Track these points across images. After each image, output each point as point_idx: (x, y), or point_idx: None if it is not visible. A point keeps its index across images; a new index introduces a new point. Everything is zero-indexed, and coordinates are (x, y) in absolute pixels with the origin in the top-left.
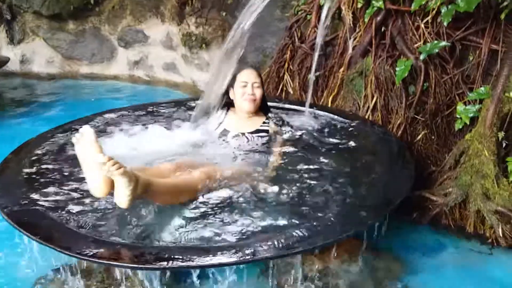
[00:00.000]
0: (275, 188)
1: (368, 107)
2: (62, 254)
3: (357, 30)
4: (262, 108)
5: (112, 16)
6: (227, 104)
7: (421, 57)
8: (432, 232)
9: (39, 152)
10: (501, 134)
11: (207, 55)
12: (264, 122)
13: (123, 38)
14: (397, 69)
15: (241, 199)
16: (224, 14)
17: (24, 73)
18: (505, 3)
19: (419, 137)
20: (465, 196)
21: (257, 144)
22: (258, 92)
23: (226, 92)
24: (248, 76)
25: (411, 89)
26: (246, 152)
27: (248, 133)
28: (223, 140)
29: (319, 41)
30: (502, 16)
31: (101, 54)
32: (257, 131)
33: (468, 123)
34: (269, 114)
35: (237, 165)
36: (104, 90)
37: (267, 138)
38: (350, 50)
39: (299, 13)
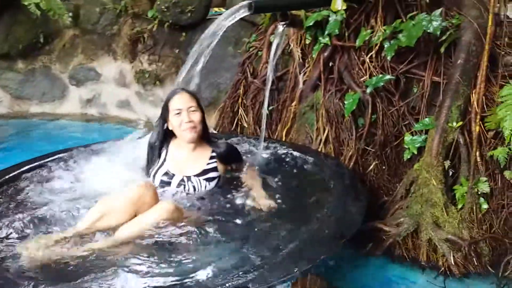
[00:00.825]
0: (222, 227)
1: (321, 139)
2: None
3: (307, 65)
4: (203, 133)
5: (63, 55)
6: (167, 135)
7: (368, 90)
8: (386, 263)
9: None
10: (447, 163)
11: (162, 92)
12: (211, 157)
13: (75, 76)
14: (345, 102)
15: (185, 239)
16: (177, 51)
17: None
18: (443, 37)
19: (370, 167)
20: (416, 225)
21: (205, 192)
22: (196, 117)
23: (162, 125)
24: (179, 102)
25: (360, 121)
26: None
27: (194, 176)
28: (165, 191)
29: (270, 76)
30: (442, 49)
31: (52, 93)
32: (204, 172)
33: (416, 153)
34: (215, 146)
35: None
36: (55, 129)
37: (216, 180)
38: (300, 85)
39: (251, 49)
